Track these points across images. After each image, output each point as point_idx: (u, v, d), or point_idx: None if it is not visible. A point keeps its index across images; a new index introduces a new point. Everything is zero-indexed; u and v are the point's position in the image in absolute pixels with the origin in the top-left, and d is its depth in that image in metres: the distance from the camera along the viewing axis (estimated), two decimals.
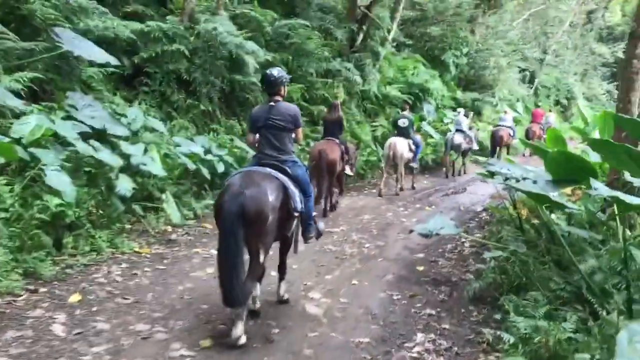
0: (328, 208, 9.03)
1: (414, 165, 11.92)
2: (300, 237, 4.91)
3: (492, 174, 7.08)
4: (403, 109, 11.95)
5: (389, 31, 15.01)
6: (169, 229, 6.86)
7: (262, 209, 3.88)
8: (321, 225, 5.11)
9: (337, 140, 9.01)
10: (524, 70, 25.14)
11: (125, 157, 6.40)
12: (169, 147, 7.64)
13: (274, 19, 12.04)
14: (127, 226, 6.46)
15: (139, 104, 8.58)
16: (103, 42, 8.45)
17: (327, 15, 13.87)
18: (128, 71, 8.84)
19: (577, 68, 30.21)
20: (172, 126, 8.85)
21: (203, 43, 9.53)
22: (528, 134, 18.30)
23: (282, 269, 4.91)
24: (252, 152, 9.11)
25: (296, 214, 4.43)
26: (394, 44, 16.40)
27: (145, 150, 6.93)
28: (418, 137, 12.24)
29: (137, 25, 8.81)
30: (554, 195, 4.30)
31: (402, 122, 11.30)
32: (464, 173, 15.22)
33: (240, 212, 3.77)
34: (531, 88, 26.38)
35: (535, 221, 6.53)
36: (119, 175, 5.87)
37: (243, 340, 3.89)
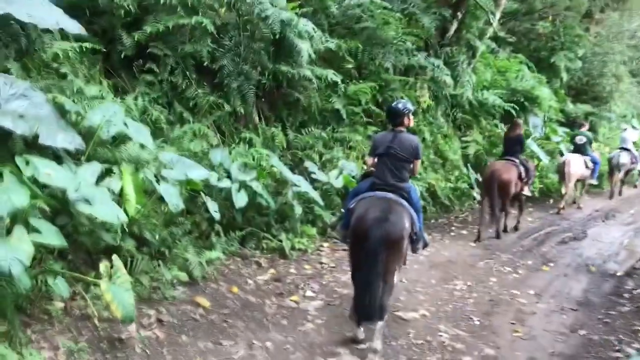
0: (501, 229, 8.64)
1: (593, 182, 12.11)
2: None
3: None
4: (581, 126, 11.97)
5: (488, 23, 11.76)
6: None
7: (402, 234, 4.22)
8: (427, 237, 5.16)
9: (516, 160, 8.47)
10: None
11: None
12: (159, 169, 4.87)
13: None
14: (58, 306, 3.71)
15: (135, 98, 5.92)
16: (88, 9, 5.95)
17: None
18: (127, 52, 6.20)
19: None
20: (182, 133, 6.14)
21: (236, 17, 6.77)
22: None
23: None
24: (286, 173, 6.32)
25: (415, 236, 4.61)
26: (493, 39, 13.10)
27: (106, 174, 4.21)
28: (595, 154, 12.05)
29: None
30: None
31: (579, 139, 11.48)
32: (620, 195, 14.11)
33: (385, 237, 4.07)
34: None
35: None
36: (13, 228, 3.12)
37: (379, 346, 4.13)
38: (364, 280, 4.11)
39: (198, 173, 4.87)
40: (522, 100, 12.21)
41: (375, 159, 4.70)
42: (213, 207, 5.11)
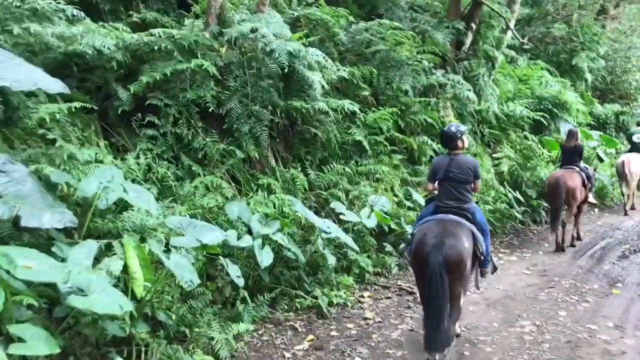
0: (575, 237, 8.69)
1: None
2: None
3: None
4: (639, 124, 11.86)
5: (504, 31, 11.09)
6: None
7: (462, 257, 4.17)
8: (495, 260, 5.33)
9: (577, 168, 8.31)
10: None
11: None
12: (168, 236, 4.21)
13: (350, 22, 8.59)
14: None
15: (137, 156, 5.33)
16: (77, 65, 5.45)
17: (420, 14, 10.24)
18: (125, 107, 5.63)
19: None
20: (193, 188, 5.50)
21: (239, 55, 6.20)
22: None
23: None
24: (313, 218, 5.62)
25: (482, 257, 4.62)
26: (509, 48, 12.43)
27: (106, 251, 3.56)
28: None
29: (129, 35, 5.64)
30: None
31: (638, 137, 11.07)
32: None
33: (445, 261, 4.03)
34: None
35: None
36: None
37: None
38: (432, 307, 4.07)
39: (213, 236, 4.19)
40: (550, 107, 11.46)
41: (436, 184, 4.77)
42: (235, 272, 4.43)
